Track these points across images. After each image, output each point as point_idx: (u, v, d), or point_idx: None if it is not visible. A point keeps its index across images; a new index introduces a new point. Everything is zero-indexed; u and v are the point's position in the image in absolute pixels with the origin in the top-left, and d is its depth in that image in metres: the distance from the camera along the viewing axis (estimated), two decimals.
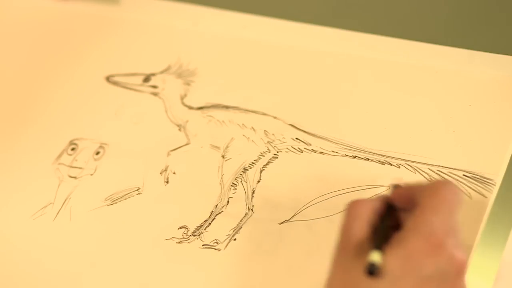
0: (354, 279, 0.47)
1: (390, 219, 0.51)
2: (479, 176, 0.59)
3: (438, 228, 0.47)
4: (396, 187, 0.52)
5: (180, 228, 0.63)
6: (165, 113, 0.71)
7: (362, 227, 0.49)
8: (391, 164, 0.62)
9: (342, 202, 0.60)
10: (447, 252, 0.47)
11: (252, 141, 0.67)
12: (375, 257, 0.46)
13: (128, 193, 0.66)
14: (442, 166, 0.61)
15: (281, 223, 0.61)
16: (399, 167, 0.61)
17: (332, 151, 0.64)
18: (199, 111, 0.70)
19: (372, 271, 0.46)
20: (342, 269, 0.49)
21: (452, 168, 0.60)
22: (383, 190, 0.60)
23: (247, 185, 0.64)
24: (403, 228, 0.48)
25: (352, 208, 0.50)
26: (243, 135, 0.67)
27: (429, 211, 0.48)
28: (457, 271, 0.47)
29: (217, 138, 0.68)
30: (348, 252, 0.49)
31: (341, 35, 0.72)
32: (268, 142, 0.66)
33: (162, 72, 0.74)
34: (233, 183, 0.64)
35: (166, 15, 0.79)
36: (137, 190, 0.66)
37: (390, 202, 0.51)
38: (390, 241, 0.48)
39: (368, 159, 0.63)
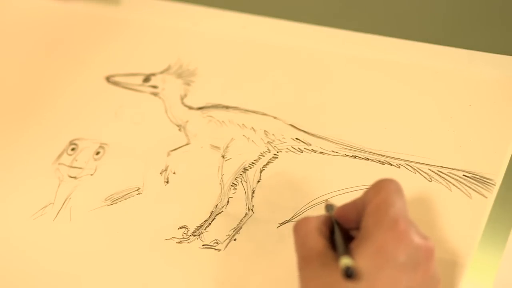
0: (331, 285, 0.48)
1: (341, 229, 0.52)
2: (479, 176, 0.59)
3: (399, 218, 0.48)
4: (330, 206, 0.54)
5: (180, 228, 0.63)
6: (165, 113, 0.71)
7: (317, 238, 0.50)
8: (391, 164, 0.62)
9: (342, 202, 0.60)
10: (412, 238, 0.48)
11: (252, 141, 0.67)
12: (347, 261, 0.48)
13: (128, 193, 0.66)
14: (442, 166, 0.61)
15: (281, 223, 0.61)
16: (399, 167, 0.61)
17: (332, 151, 0.64)
18: (199, 111, 0.70)
19: (350, 274, 0.47)
20: (314, 282, 0.49)
21: (452, 168, 0.60)
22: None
23: (247, 185, 0.64)
24: (362, 229, 0.50)
25: (300, 225, 0.52)
26: (243, 135, 0.67)
27: (384, 204, 0.49)
28: (427, 256, 0.48)
29: (217, 138, 0.68)
30: (313, 264, 0.50)
31: (341, 35, 0.72)
32: (268, 142, 0.66)
33: (162, 72, 0.74)
34: (233, 183, 0.64)
35: (166, 15, 0.79)
36: (137, 190, 0.66)
37: (333, 221, 0.53)
38: (351, 244, 0.49)
39: (368, 159, 0.63)
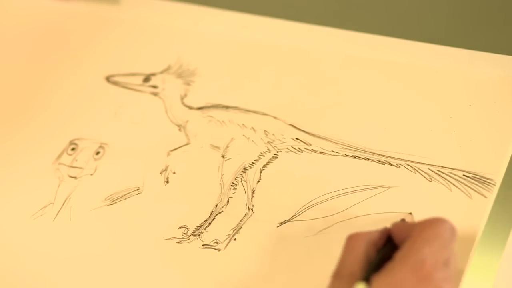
0: None
1: (387, 251, 0.52)
2: (479, 176, 0.59)
3: (427, 260, 0.48)
4: (401, 221, 0.53)
5: (180, 228, 0.63)
6: (165, 113, 0.71)
7: (355, 260, 0.50)
8: (391, 164, 0.62)
9: (342, 202, 0.60)
10: (434, 284, 0.47)
11: (252, 141, 0.67)
12: (360, 286, 0.48)
13: (128, 193, 0.66)
14: (442, 166, 0.61)
15: (281, 223, 0.61)
16: (399, 167, 0.61)
17: (332, 151, 0.64)
18: (199, 111, 0.70)
19: None
20: None
21: (452, 168, 0.60)
22: (383, 190, 0.60)
23: (247, 185, 0.64)
24: (393, 258, 0.49)
25: (349, 241, 0.52)
26: (243, 135, 0.67)
27: (420, 243, 0.49)
28: None
29: (217, 138, 0.68)
30: (341, 281, 0.50)
31: (341, 35, 0.72)
32: (268, 142, 0.66)
33: (162, 72, 0.74)
34: (233, 183, 0.64)
35: (166, 15, 0.79)
36: (137, 190, 0.66)
37: (389, 235, 0.53)
38: (386, 265, 0.49)
39: (368, 159, 0.63)
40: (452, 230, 0.50)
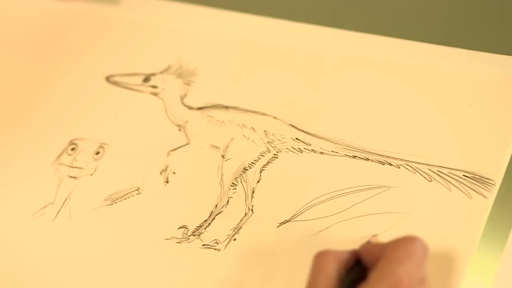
0: None
1: (357, 272, 0.51)
2: (479, 176, 0.59)
3: (404, 279, 0.47)
4: (367, 243, 0.53)
5: (180, 228, 0.63)
6: (165, 113, 0.71)
7: (327, 280, 0.50)
8: (391, 164, 0.62)
9: (342, 202, 0.60)
10: None
11: (252, 141, 0.67)
12: None
13: (128, 193, 0.66)
14: (442, 167, 0.61)
15: (281, 223, 0.61)
16: (399, 167, 0.61)
17: (332, 151, 0.64)
18: (199, 111, 0.70)
19: None
20: None
21: (452, 168, 0.60)
22: (383, 190, 0.60)
23: (247, 185, 0.64)
24: (368, 278, 0.49)
25: (319, 259, 0.51)
26: (243, 135, 0.67)
27: (395, 261, 0.48)
28: None
29: (217, 138, 0.68)
30: None
31: (341, 35, 0.72)
32: (268, 142, 0.66)
33: (162, 72, 0.74)
34: (233, 183, 0.64)
35: (166, 15, 0.79)
36: (137, 190, 0.66)
37: (358, 257, 0.52)
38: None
39: (368, 159, 0.63)
40: (425, 248, 0.50)
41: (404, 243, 0.49)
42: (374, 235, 0.58)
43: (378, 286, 0.47)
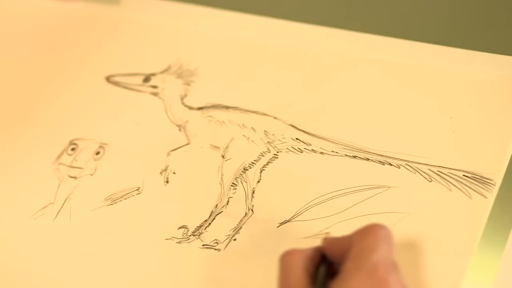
0: None
1: (326, 267, 0.51)
2: (479, 176, 0.59)
3: (380, 265, 0.47)
4: (325, 239, 0.53)
5: (180, 228, 0.63)
6: (165, 113, 0.71)
7: (298, 277, 0.49)
8: (391, 165, 0.62)
9: (342, 202, 0.60)
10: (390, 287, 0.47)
11: (252, 141, 0.67)
12: None
13: (128, 193, 0.66)
14: (442, 167, 0.61)
15: (281, 223, 0.61)
16: (399, 167, 0.61)
17: (332, 151, 0.64)
18: (199, 111, 0.70)
19: None
20: None
21: (452, 169, 0.60)
22: (383, 190, 0.60)
23: (247, 185, 0.64)
24: (342, 270, 0.49)
25: (285, 258, 0.51)
26: (243, 135, 0.67)
27: (366, 250, 0.48)
28: None
29: (217, 138, 0.68)
30: None
31: (341, 35, 0.72)
32: (268, 142, 0.66)
33: (162, 72, 0.74)
34: (233, 183, 0.64)
35: (166, 15, 0.79)
36: (137, 190, 0.66)
37: (323, 252, 0.52)
38: (331, 283, 0.48)
39: (368, 159, 0.63)
40: (391, 233, 0.50)
41: (371, 231, 0.49)
42: (327, 233, 0.58)
43: (355, 276, 0.47)
